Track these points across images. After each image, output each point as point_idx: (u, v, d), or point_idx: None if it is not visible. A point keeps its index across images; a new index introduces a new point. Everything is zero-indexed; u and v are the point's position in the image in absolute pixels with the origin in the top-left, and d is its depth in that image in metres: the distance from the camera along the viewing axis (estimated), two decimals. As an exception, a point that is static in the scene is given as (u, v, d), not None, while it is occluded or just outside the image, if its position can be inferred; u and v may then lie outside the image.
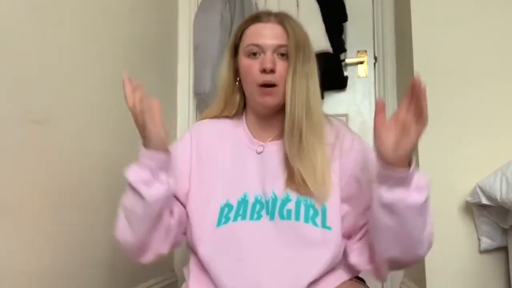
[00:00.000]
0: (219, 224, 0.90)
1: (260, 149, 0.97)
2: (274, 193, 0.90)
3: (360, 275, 0.95)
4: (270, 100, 0.93)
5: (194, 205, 0.94)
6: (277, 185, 0.91)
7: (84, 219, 1.20)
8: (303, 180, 0.87)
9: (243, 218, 0.89)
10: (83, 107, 1.21)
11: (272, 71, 0.90)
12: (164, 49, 1.85)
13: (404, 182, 0.73)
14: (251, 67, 0.92)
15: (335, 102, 1.88)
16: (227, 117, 1.03)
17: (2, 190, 0.92)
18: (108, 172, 1.33)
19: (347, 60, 1.90)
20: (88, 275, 1.20)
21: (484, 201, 1.24)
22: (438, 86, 1.42)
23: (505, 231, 1.30)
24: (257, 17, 0.97)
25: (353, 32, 1.92)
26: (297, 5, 1.75)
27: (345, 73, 1.89)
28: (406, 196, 0.73)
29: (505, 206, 1.18)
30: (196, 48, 1.90)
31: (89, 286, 1.20)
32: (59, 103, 1.11)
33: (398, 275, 1.65)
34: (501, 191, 1.16)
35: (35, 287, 1.00)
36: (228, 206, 0.91)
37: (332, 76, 1.79)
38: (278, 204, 0.89)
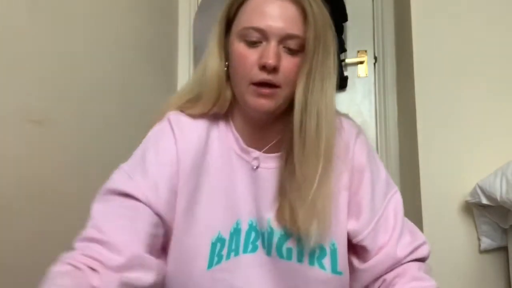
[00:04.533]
0: (210, 265, 0.71)
1: (255, 163, 0.76)
2: (270, 226, 0.72)
3: None
4: (267, 104, 0.69)
5: (178, 235, 0.72)
6: (273, 213, 0.73)
7: (83, 219, 1.19)
8: (294, 216, 0.68)
9: (236, 253, 0.72)
10: (83, 107, 1.21)
11: (275, 69, 0.67)
12: (164, 49, 1.85)
13: None
14: (246, 57, 0.69)
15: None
16: (212, 115, 0.77)
17: (2, 190, 0.92)
18: (108, 172, 1.32)
19: (347, 60, 1.90)
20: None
21: (484, 201, 1.24)
22: (438, 86, 1.42)
23: (505, 231, 1.30)
24: None
25: (353, 32, 1.92)
26: (297, 5, 1.74)
27: (345, 73, 1.88)
28: None
29: (505, 206, 1.18)
30: (196, 48, 1.90)
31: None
32: (59, 103, 1.11)
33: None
34: (501, 191, 1.16)
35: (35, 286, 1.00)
36: (221, 240, 0.72)
37: (332, 76, 1.79)
38: (276, 239, 0.72)
